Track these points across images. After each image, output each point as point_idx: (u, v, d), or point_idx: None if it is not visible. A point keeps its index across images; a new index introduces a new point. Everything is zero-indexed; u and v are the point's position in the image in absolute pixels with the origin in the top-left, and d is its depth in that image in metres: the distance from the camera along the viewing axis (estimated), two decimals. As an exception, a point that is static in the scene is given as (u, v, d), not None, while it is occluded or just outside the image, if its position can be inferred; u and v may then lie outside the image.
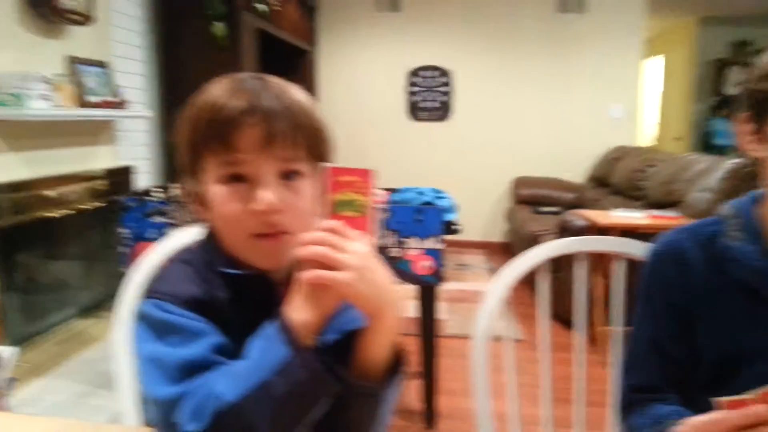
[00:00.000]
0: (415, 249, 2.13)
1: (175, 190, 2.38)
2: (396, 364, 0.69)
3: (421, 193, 2.35)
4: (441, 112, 5.57)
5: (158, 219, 2.22)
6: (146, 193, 2.37)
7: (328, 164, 0.66)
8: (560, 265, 1.93)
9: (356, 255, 0.62)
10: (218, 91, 0.72)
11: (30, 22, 2.57)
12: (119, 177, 3.22)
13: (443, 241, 2.14)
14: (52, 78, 2.48)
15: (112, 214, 2.81)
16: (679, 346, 0.90)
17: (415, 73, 5.55)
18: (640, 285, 0.97)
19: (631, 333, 0.97)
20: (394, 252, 2.12)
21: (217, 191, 0.71)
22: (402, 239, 2.12)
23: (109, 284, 3.20)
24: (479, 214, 5.58)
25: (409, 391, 2.42)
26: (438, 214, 2.14)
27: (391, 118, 5.61)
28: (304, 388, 0.61)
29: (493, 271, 4.71)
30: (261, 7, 4.00)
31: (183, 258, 0.77)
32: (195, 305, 0.69)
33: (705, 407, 0.72)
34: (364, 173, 0.65)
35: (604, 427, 1.12)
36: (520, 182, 5.41)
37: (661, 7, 5.94)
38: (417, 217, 2.11)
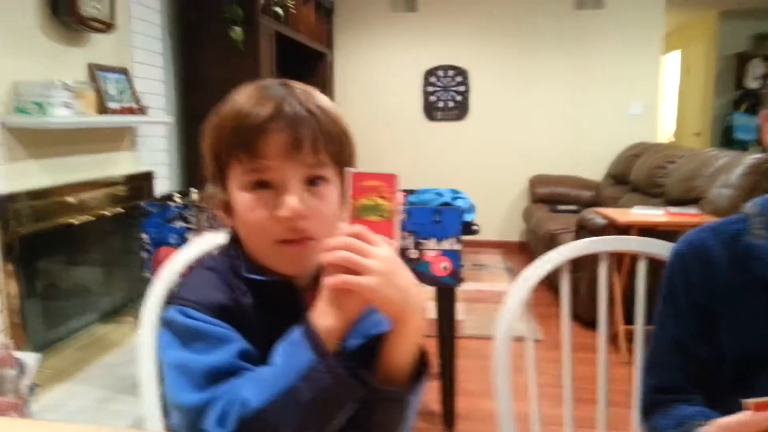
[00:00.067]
0: (433, 250, 2.13)
1: (195, 195, 2.41)
2: (420, 368, 0.69)
3: (439, 194, 2.35)
4: (457, 111, 5.56)
5: (179, 224, 2.24)
6: (167, 198, 2.40)
7: (352, 169, 0.66)
8: (579, 265, 1.92)
9: (381, 259, 0.63)
10: (243, 98, 0.72)
11: (52, 30, 2.62)
12: (139, 182, 3.26)
13: (461, 242, 2.14)
14: (73, 85, 2.51)
15: (133, 220, 2.84)
16: (703, 345, 0.90)
17: (431, 72, 5.55)
18: (662, 284, 0.96)
19: (653, 333, 0.97)
20: (413, 253, 2.12)
21: (242, 198, 0.72)
22: (420, 240, 2.12)
23: (129, 289, 3.24)
24: (496, 213, 5.56)
25: (428, 393, 2.42)
26: (456, 214, 2.14)
27: (408, 118, 5.61)
28: (329, 393, 0.62)
29: (510, 270, 4.69)
30: (278, 10, 4.03)
31: (207, 264, 0.78)
32: (220, 312, 0.70)
33: (728, 407, 0.72)
34: (388, 178, 0.65)
35: (625, 427, 1.12)
36: (537, 180, 5.38)
37: (680, 2, 5.86)
38: (435, 219, 2.11)
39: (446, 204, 2.30)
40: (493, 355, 1.07)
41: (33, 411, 2.28)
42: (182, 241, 2.24)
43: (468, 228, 2.25)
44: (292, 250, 0.72)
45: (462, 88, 5.52)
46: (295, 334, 0.64)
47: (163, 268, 1.11)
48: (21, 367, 2.19)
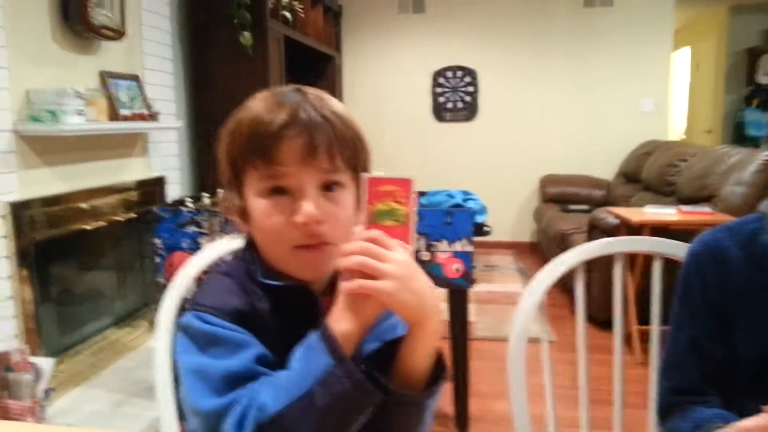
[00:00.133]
0: (445, 252, 2.13)
1: (207, 199, 2.42)
2: (437, 372, 0.69)
3: (450, 196, 2.35)
4: (467, 112, 5.55)
5: (191, 229, 2.26)
6: (180, 203, 2.42)
7: (367, 174, 0.66)
8: (591, 265, 1.92)
9: (397, 264, 0.63)
10: (258, 105, 0.73)
11: (64, 39, 2.64)
12: (151, 188, 3.28)
13: (473, 243, 2.14)
14: (86, 93, 2.54)
15: (145, 225, 2.87)
16: (719, 346, 0.89)
17: (439, 73, 5.55)
18: (678, 285, 0.96)
19: (668, 334, 0.96)
20: (424, 255, 2.12)
21: (259, 204, 0.72)
22: (432, 242, 2.13)
23: (142, 294, 3.26)
24: (507, 213, 5.55)
25: (441, 395, 2.42)
26: (468, 216, 2.14)
27: (417, 119, 5.62)
28: (347, 398, 0.62)
29: (521, 271, 4.67)
30: (286, 14, 4.05)
31: (223, 270, 0.78)
32: (237, 317, 0.70)
33: (745, 409, 0.71)
34: (403, 182, 0.65)
35: (641, 429, 1.11)
36: (548, 180, 5.36)
37: (690, -3, 5.83)
38: (447, 220, 2.11)
39: (458, 205, 2.30)
40: (507, 357, 1.07)
41: (48, 415, 2.30)
42: (195, 245, 2.26)
43: (480, 229, 2.25)
44: (309, 255, 0.72)
45: (471, 89, 5.51)
46: (313, 338, 0.65)
47: (178, 273, 1.12)
48: (36, 371, 2.22)
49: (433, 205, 2.34)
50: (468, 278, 2.15)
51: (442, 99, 5.57)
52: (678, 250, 1.05)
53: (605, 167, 5.31)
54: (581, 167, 5.37)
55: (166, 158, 3.44)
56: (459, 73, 5.52)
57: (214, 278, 0.78)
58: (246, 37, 3.53)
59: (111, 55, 2.94)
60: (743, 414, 0.72)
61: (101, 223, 2.84)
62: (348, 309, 0.64)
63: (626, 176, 5.00)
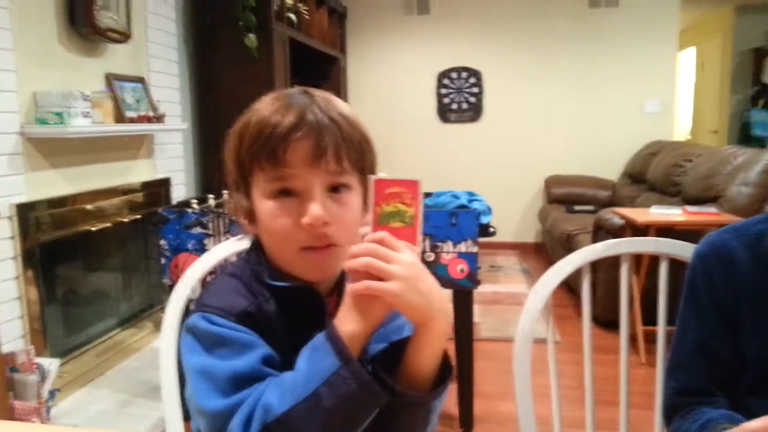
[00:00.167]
0: (449, 253, 2.13)
1: (212, 200, 2.43)
2: (443, 372, 0.69)
3: (455, 197, 2.35)
4: (471, 113, 5.55)
5: (196, 230, 2.27)
6: (185, 204, 2.43)
7: (375, 176, 0.67)
8: (596, 266, 1.91)
9: (404, 265, 0.63)
10: (266, 107, 0.73)
11: (71, 42, 2.66)
12: (157, 189, 3.29)
13: (477, 244, 2.14)
14: (92, 95, 2.55)
15: (151, 226, 2.88)
16: (726, 346, 0.89)
17: (444, 74, 5.55)
18: (684, 286, 0.96)
19: (675, 335, 0.96)
20: (429, 256, 2.12)
21: (266, 206, 0.72)
22: (437, 243, 2.13)
23: (147, 295, 3.28)
24: (512, 214, 5.54)
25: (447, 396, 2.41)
26: (473, 217, 2.14)
27: (422, 121, 5.62)
28: (353, 399, 0.62)
29: (526, 272, 4.67)
30: (291, 16, 4.06)
31: (229, 271, 0.78)
32: (243, 318, 0.70)
33: (751, 410, 0.71)
34: (411, 184, 0.65)
35: (646, 430, 1.11)
36: (553, 181, 5.35)
37: (696, -3, 5.82)
38: (452, 221, 2.12)
39: (463, 206, 2.30)
40: (513, 358, 1.07)
41: (53, 415, 2.31)
42: (200, 246, 2.26)
43: (485, 230, 2.25)
44: (316, 256, 0.72)
45: (476, 90, 5.51)
46: (319, 339, 0.65)
47: (184, 274, 1.12)
48: (42, 372, 2.23)
49: (438, 206, 2.34)
50: (473, 279, 2.15)
51: (446, 100, 5.57)
52: (684, 250, 1.05)
53: (610, 168, 5.30)
54: (586, 168, 5.36)
55: (171, 160, 3.45)
56: (464, 74, 5.52)
57: (221, 279, 0.78)
58: (251, 39, 3.54)
59: (117, 58, 2.95)
60: (750, 415, 0.72)
61: (107, 225, 2.85)
62: (355, 310, 0.64)
63: (631, 177, 4.99)
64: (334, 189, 0.72)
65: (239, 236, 0.82)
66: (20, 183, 2.36)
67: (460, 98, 5.54)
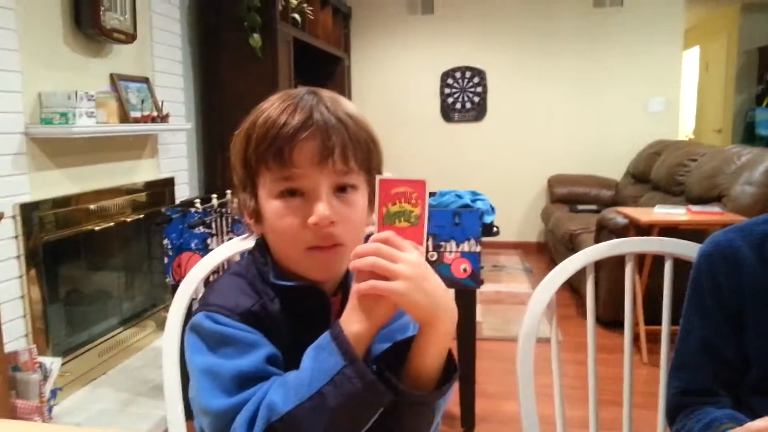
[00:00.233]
0: (453, 252, 2.13)
1: (216, 200, 2.43)
2: (448, 372, 0.69)
3: (459, 196, 2.35)
4: (475, 112, 5.55)
5: (200, 230, 2.27)
6: (188, 204, 2.43)
7: (380, 176, 0.67)
8: (598, 265, 1.91)
9: (410, 264, 0.63)
10: (273, 107, 0.73)
11: (76, 42, 2.67)
12: (161, 188, 3.30)
13: (480, 244, 2.14)
14: (96, 95, 2.56)
15: (155, 226, 2.88)
16: (730, 346, 0.89)
17: (448, 74, 5.55)
18: (689, 286, 0.95)
19: (679, 335, 0.96)
20: (432, 256, 2.12)
21: (272, 206, 0.72)
22: (440, 243, 2.13)
23: (150, 294, 3.28)
24: (515, 214, 5.54)
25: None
26: (476, 216, 2.14)
27: (425, 120, 5.62)
28: (358, 398, 0.62)
29: (528, 271, 4.66)
30: (296, 17, 4.06)
31: (234, 270, 0.79)
32: (248, 317, 0.71)
33: (755, 410, 0.71)
34: (417, 184, 0.66)
35: (648, 430, 1.11)
36: (556, 180, 5.35)
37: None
38: (455, 221, 2.12)
39: (466, 206, 2.30)
40: (517, 357, 1.07)
41: (55, 414, 2.32)
42: (203, 246, 2.27)
43: (488, 229, 2.25)
44: (322, 256, 0.72)
45: (479, 89, 5.51)
46: (324, 339, 0.65)
47: (188, 273, 1.12)
48: (44, 371, 2.24)
49: (442, 205, 2.34)
50: (476, 279, 2.15)
51: (450, 100, 5.57)
52: (688, 250, 1.05)
53: (614, 167, 5.29)
54: (589, 167, 5.35)
55: (175, 159, 3.46)
56: (467, 74, 5.51)
57: (226, 278, 0.78)
58: (255, 39, 3.55)
59: (122, 58, 2.96)
60: (754, 414, 0.72)
61: (110, 224, 2.85)
62: (360, 309, 0.64)
63: (635, 176, 4.98)
64: (341, 189, 0.73)
65: (244, 235, 0.82)
66: (24, 183, 2.37)
67: (463, 98, 5.54)
